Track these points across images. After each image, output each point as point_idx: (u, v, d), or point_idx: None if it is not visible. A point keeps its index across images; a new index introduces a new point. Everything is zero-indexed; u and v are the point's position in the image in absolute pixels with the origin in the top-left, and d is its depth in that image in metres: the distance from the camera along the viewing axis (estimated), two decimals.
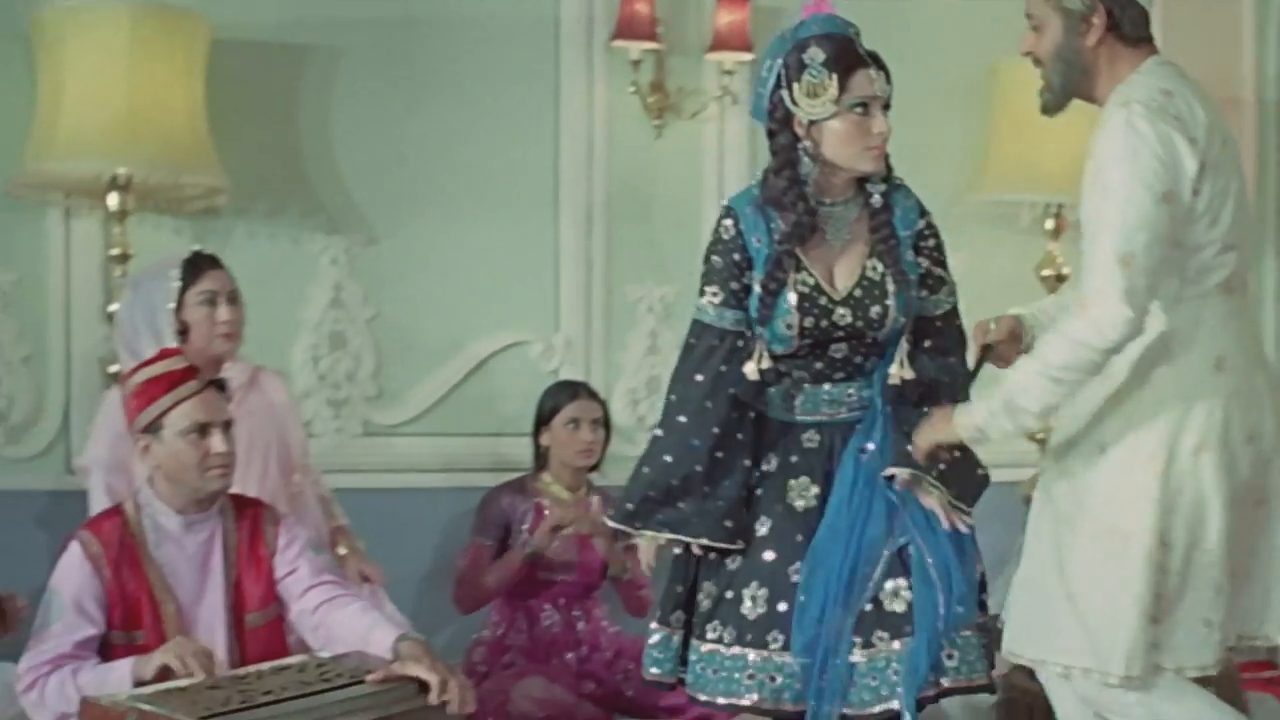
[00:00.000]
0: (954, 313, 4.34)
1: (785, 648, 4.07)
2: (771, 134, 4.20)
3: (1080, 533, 3.84)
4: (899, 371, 4.19)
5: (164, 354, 4.36)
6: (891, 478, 4.10)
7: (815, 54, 4.11)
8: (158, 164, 5.62)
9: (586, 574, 5.67)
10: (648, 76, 6.45)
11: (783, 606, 4.11)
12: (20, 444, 5.98)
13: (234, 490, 4.60)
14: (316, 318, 6.22)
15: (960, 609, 4.01)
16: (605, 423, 5.85)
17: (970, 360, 4.12)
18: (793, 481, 4.22)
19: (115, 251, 5.75)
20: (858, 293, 4.17)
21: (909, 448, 4.10)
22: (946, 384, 4.23)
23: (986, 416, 3.82)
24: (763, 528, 4.20)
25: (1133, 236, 3.69)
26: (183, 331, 4.88)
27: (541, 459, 5.82)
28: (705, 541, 4.18)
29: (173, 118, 5.63)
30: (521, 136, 6.41)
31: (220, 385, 4.34)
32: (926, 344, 4.26)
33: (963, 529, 4.12)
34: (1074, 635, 3.80)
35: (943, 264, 4.34)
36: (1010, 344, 4.19)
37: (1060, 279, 6.62)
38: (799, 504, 4.20)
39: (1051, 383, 3.74)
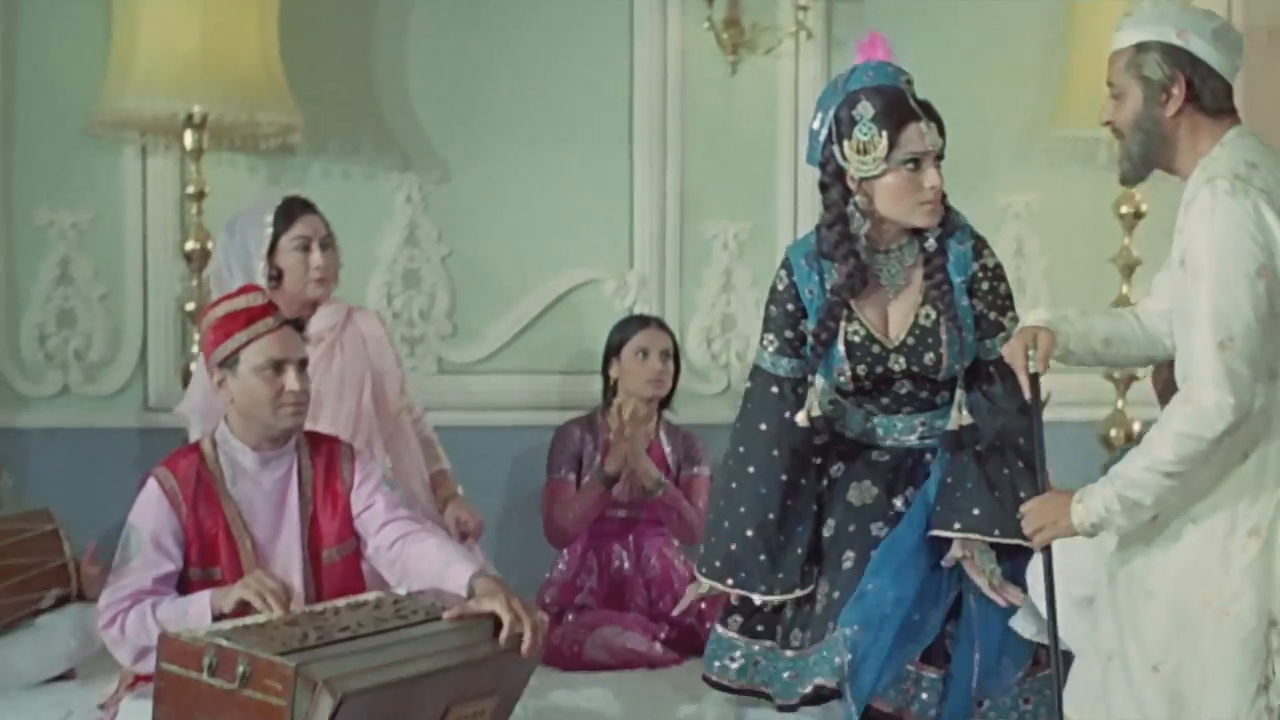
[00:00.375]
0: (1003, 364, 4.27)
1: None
2: (824, 187, 4.23)
3: (1162, 605, 3.71)
4: (957, 418, 4.23)
5: (244, 290, 4.37)
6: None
7: (865, 109, 4.12)
8: (233, 102, 5.63)
9: (654, 512, 5.66)
10: (722, 12, 6.41)
11: (836, 594, 4.14)
12: (98, 382, 6.02)
13: (327, 428, 4.65)
14: (391, 255, 6.23)
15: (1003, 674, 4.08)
16: (675, 357, 5.82)
17: (1024, 388, 4.01)
18: (855, 484, 4.29)
19: (191, 189, 5.78)
20: (910, 340, 4.22)
21: (971, 509, 4.14)
22: (1009, 433, 4.23)
23: (1103, 513, 3.69)
24: (827, 530, 4.29)
25: (1230, 320, 3.58)
26: (276, 276, 4.94)
27: (611, 392, 5.80)
28: (773, 599, 4.32)
29: (247, 55, 5.64)
30: (596, 73, 6.39)
31: (298, 325, 4.35)
32: (983, 388, 4.28)
33: (1016, 601, 4.10)
34: (1158, 706, 3.71)
35: (999, 308, 4.31)
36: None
37: (1138, 215, 6.56)
38: (856, 500, 4.28)
39: (1164, 478, 3.61)
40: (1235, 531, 3.63)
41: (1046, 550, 3.86)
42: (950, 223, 4.28)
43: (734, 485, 4.35)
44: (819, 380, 4.26)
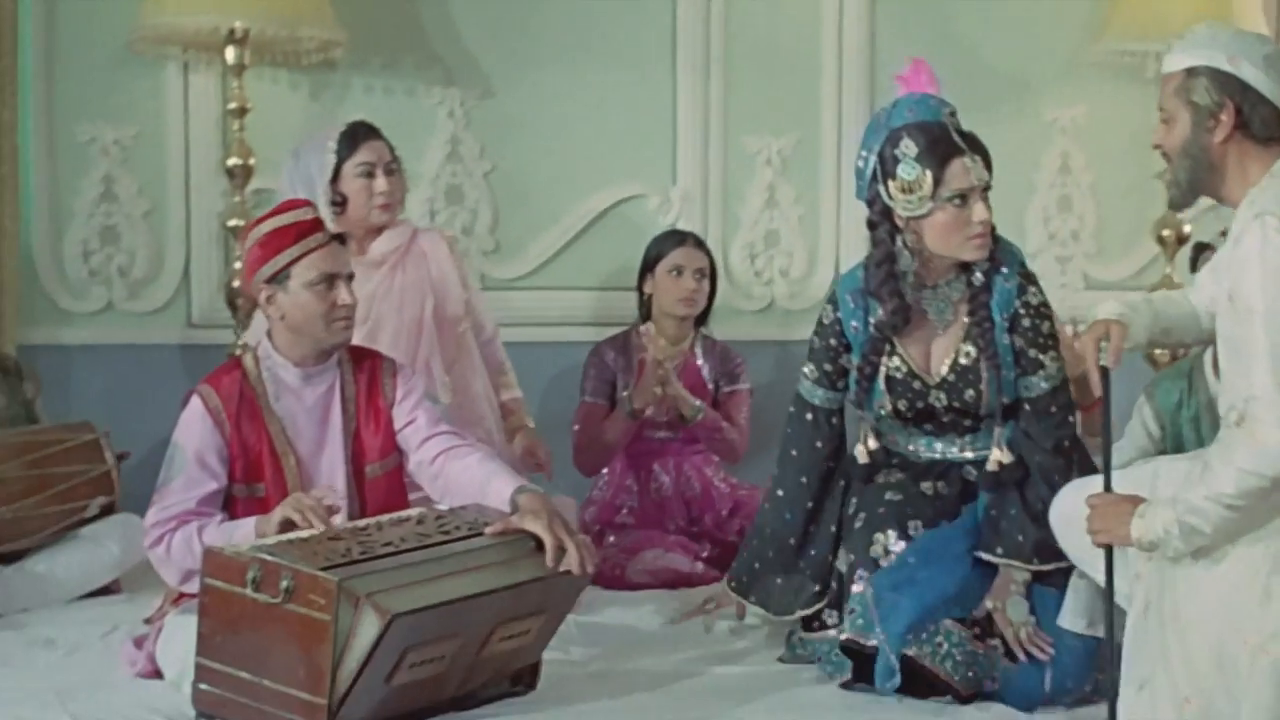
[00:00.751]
0: (1050, 396, 4.27)
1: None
2: (872, 225, 4.22)
3: (1197, 638, 3.61)
4: (997, 455, 4.23)
5: (291, 204, 4.36)
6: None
7: (908, 148, 4.11)
8: (274, 17, 5.61)
9: (694, 431, 5.65)
10: None
11: (853, 558, 4.25)
12: (141, 299, 6.04)
13: (387, 347, 4.69)
14: (433, 171, 6.21)
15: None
16: (711, 275, 5.79)
17: (1095, 384, 3.93)
18: (883, 471, 4.34)
19: (233, 105, 5.77)
20: (951, 377, 4.25)
21: (1015, 536, 4.16)
22: (1045, 471, 4.24)
23: (1161, 534, 3.59)
24: (850, 508, 4.34)
25: None
26: (340, 202, 4.94)
27: (646, 309, 5.77)
28: (788, 617, 4.40)
29: None
30: None
31: (341, 239, 4.34)
32: (1022, 426, 4.28)
33: (1042, 657, 4.07)
34: None
35: (1040, 345, 4.27)
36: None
37: None
38: (881, 479, 4.33)
39: (1226, 509, 3.54)
40: (1279, 568, 3.55)
41: (1107, 549, 3.81)
42: (998, 257, 4.27)
43: (767, 505, 4.46)
44: (868, 415, 4.31)
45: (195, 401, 4.23)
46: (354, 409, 4.32)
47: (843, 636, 4.09)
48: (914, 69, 4.33)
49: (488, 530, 3.94)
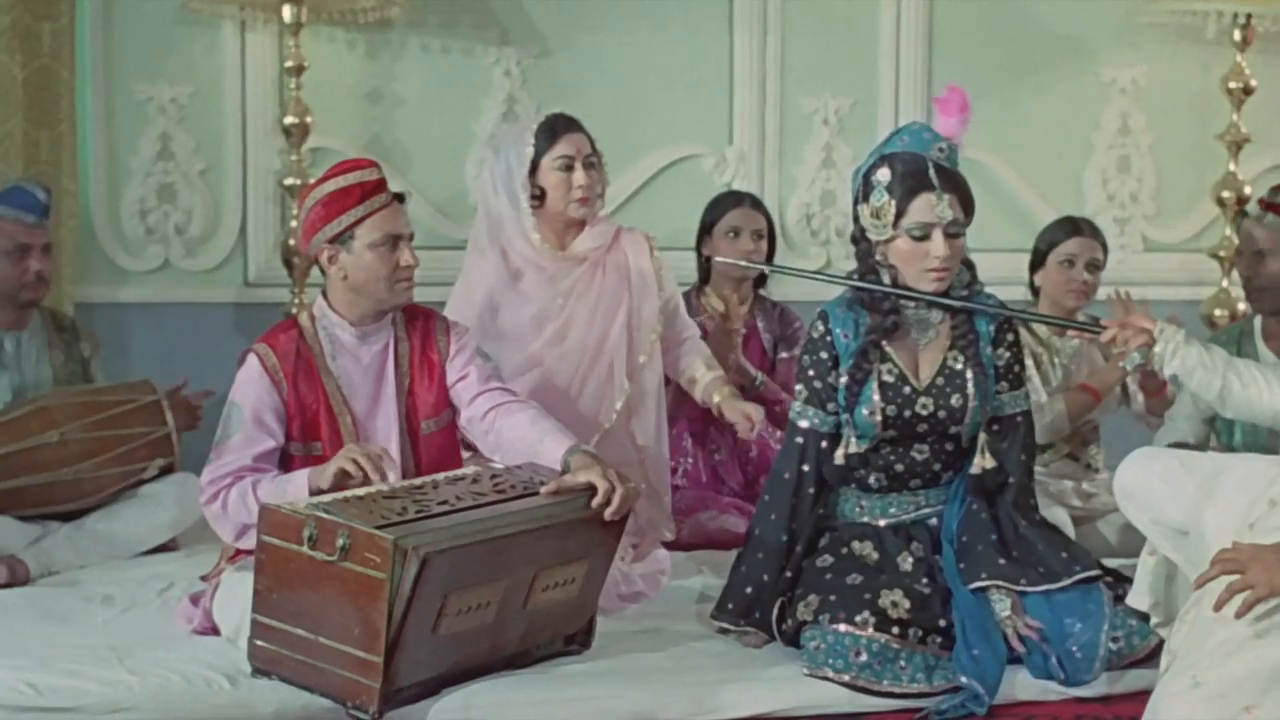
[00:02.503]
0: (1025, 416, 4.39)
1: None
2: (855, 241, 4.35)
3: (1253, 644, 3.51)
4: (980, 460, 4.29)
5: (355, 164, 4.33)
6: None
7: (884, 175, 4.22)
8: None
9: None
10: None
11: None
12: (198, 257, 6.07)
13: (574, 352, 4.74)
14: (489, 130, 6.21)
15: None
16: (770, 236, 5.76)
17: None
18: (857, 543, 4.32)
19: (289, 64, 5.79)
20: (939, 381, 4.29)
21: (997, 561, 4.20)
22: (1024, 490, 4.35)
23: None
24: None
25: None
26: (539, 195, 4.84)
27: (705, 271, 5.76)
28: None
29: None
30: None
31: (400, 198, 4.33)
32: (1005, 443, 4.34)
33: (1032, 635, 4.09)
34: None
35: (1022, 365, 4.41)
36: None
37: (1247, 91, 6.44)
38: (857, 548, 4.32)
39: None
40: None
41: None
42: (975, 289, 4.38)
43: (757, 531, 4.40)
44: (852, 420, 4.31)
45: (252, 360, 4.24)
46: (408, 366, 4.33)
47: (847, 679, 4.01)
48: (949, 95, 4.37)
49: (543, 489, 3.94)
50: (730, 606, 4.35)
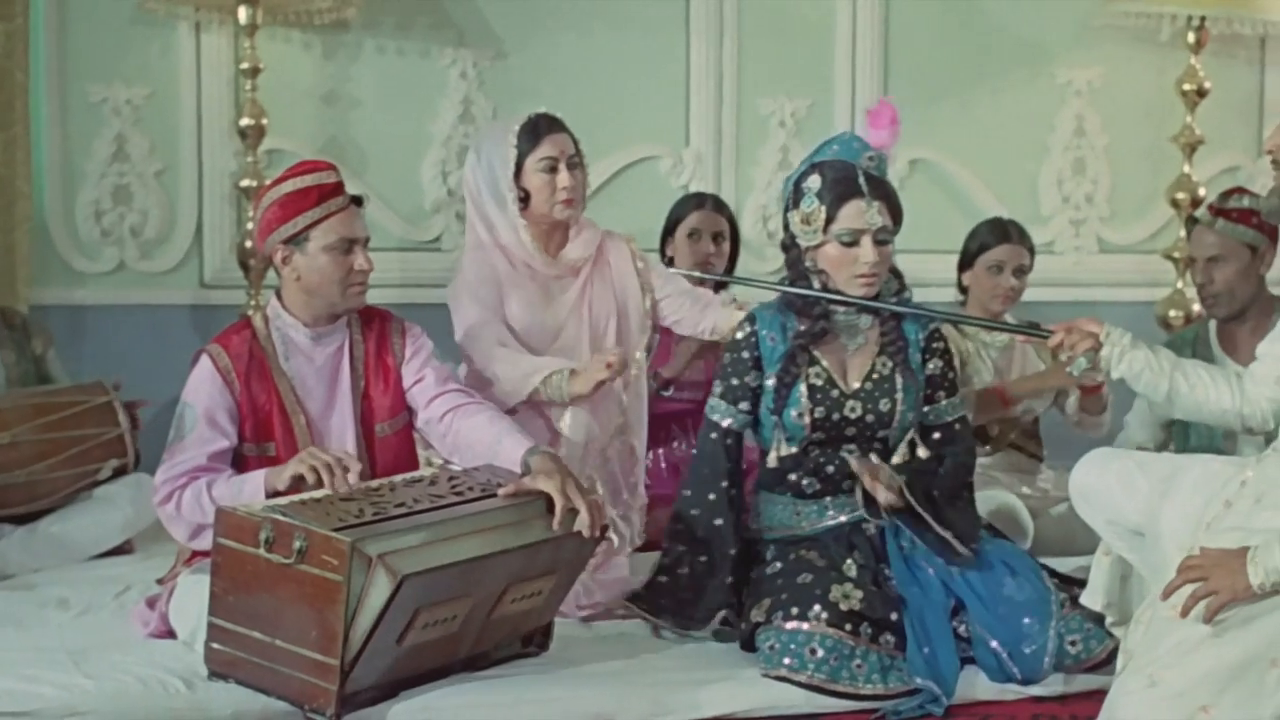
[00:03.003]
0: (963, 422, 4.47)
1: None
2: (785, 248, 4.44)
3: (1218, 642, 3.54)
4: (917, 460, 4.37)
5: (314, 166, 4.33)
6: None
7: (814, 182, 4.31)
8: None
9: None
10: None
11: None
12: (154, 259, 6.05)
13: (566, 360, 4.65)
14: (445, 132, 6.21)
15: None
16: (733, 238, 5.77)
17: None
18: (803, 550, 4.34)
19: (245, 65, 5.77)
20: (868, 386, 4.37)
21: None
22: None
23: None
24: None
25: None
26: (523, 198, 4.78)
27: None
28: (694, 633, 4.36)
29: None
30: None
31: (359, 201, 4.32)
32: (946, 450, 4.41)
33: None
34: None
35: (954, 369, 4.48)
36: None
37: (1201, 94, 6.47)
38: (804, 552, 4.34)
39: None
40: None
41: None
42: (904, 296, 4.45)
43: (680, 527, 4.43)
44: (780, 423, 4.37)
45: (204, 361, 4.23)
46: (363, 368, 4.32)
47: (804, 678, 4.01)
48: (880, 108, 4.50)
49: (500, 492, 3.94)
50: (651, 594, 4.40)
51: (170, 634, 4.12)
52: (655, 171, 6.39)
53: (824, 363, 4.35)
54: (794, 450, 4.34)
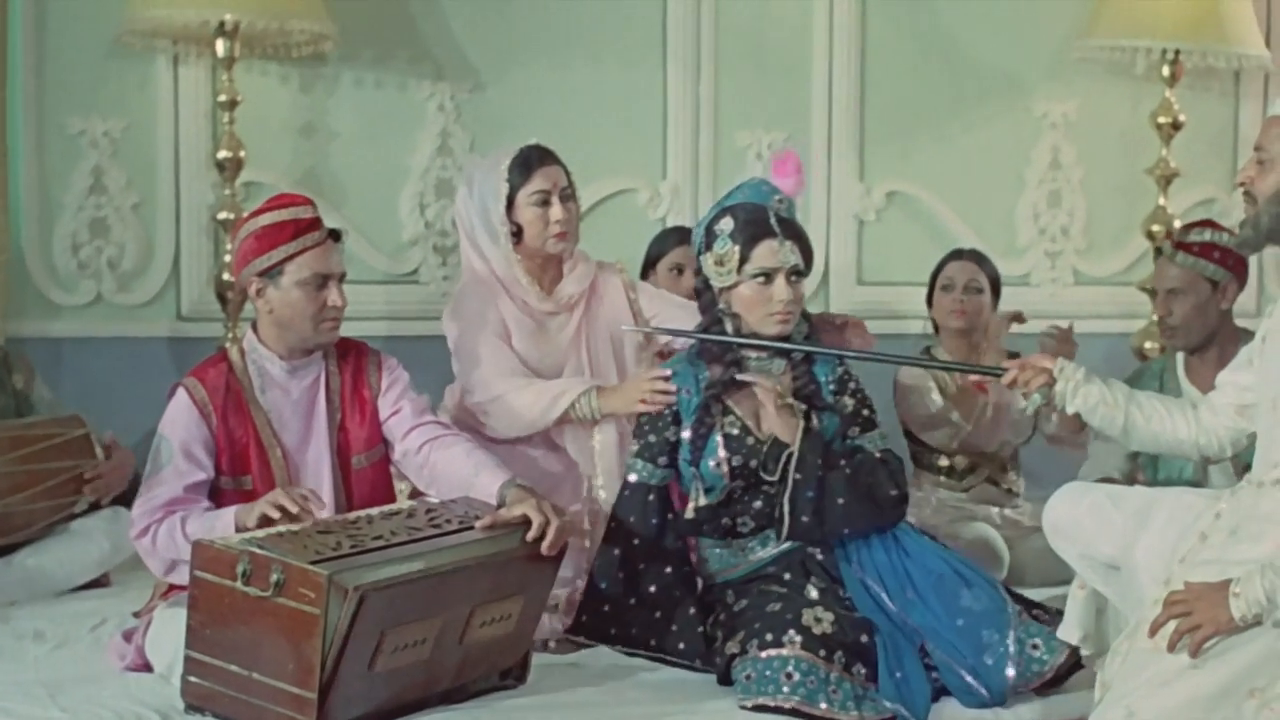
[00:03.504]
0: (886, 453, 4.50)
1: None
2: (698, 293, 4.52)
3: (1198, 673, 3.55)
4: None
5: (291, 200, 4.33)
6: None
7: (726, 224, 4.40)
8: (264, 10, 5.60)
9: None
10: None
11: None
12: (131, 291, 6.03)
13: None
14: (423, 165, 6.21)
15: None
16: None
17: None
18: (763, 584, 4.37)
19: (223, 98, 5.77)
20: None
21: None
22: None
23: (1263, 601, 3.45)
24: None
25: None
26: (516, 232, 4.74)
27: None
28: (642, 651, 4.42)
29: None
30: None
31: (336, 235, 4.32)
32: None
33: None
34: None
35: (870, 407, 4.52)
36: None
37: (1176, 126, 6.50)
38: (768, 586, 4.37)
39: None
40: None
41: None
42: (815, 339, 4.54)
43: (600, 561, 4.48)
44: (699, 473, 4.43)
45: (181, 394, 4.23)
46: (339, 401, 4.33)
47: (782, 703, 4.02)
48: (784, 157, 4.58)
49: (478, 524, 3.94)
50: (585, 621, 4.45)
51: (147, 667, 4.11)
52: (633, 204, 6.40)
53: (738, 411, 4.41)
54: (711, 502, 4.40)
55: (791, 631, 4.05)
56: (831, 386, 4.47)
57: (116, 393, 5.67)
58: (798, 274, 4.39)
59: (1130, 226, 6.76)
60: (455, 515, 4.00)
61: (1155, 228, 6.56)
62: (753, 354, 4.44)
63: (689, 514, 4.41)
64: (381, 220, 6.21)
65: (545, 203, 4.74)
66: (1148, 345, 6.53)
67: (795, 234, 4.41)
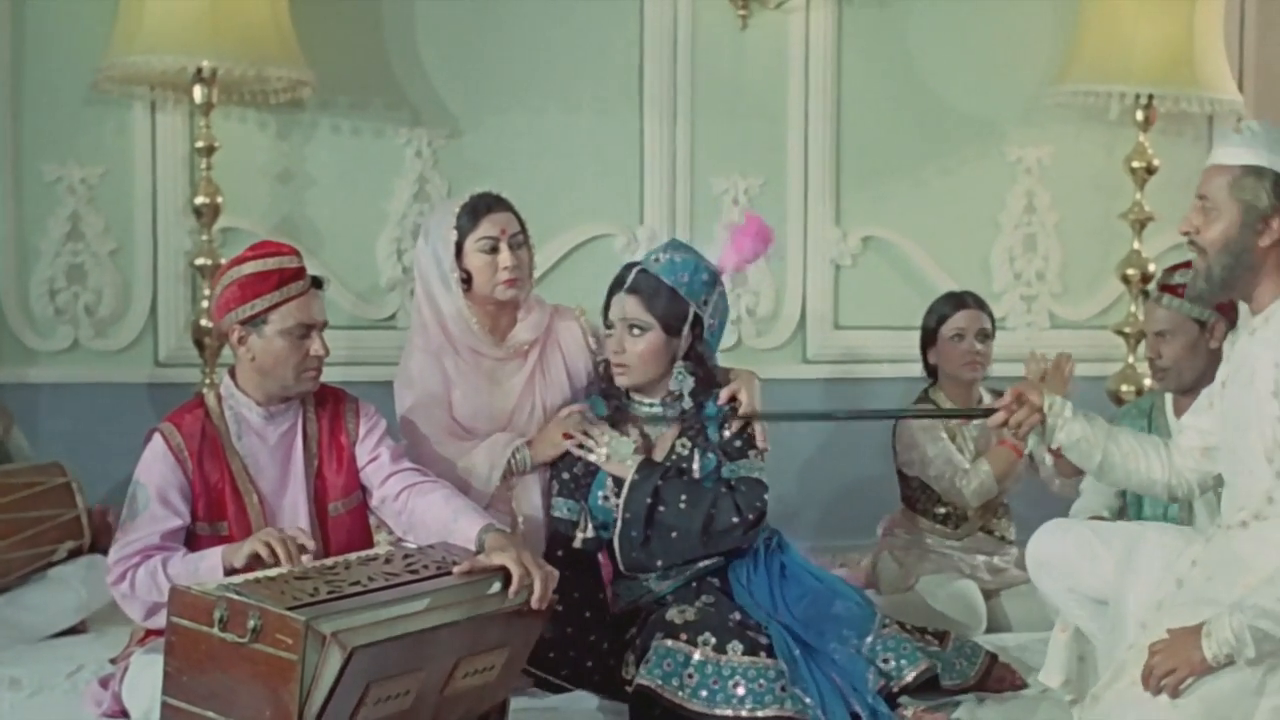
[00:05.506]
0: (760, 476, 4.63)
1: None
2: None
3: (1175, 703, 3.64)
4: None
5: (277, 249, 4.32)
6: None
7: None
8: (242, 57, 5.61)
9: None
10: None
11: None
12: (108, 337, 6.03)
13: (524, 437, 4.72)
14: (401, 210, 6.23)
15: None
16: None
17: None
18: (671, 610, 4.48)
19: (200, 144, 5.78)
20: (668, 464, 4.59)
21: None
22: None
23: (1233, 642, 3.51)
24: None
25: None
26: (466, 279, 4.72)
27: None
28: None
29: (256, 10, 5.63)
30: (607, 27, 6.39)
31: (319, 284, 4.33)
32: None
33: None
34: None
35: (746, 441, 4.64)
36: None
37: (1150, 171, 6.54)
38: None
39: None
40: (1276, 667, 3.56)
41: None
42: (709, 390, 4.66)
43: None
44: (589, 506, 4.62)
45: (157, 439, 4.22)
46: (316, 447, 4.32)
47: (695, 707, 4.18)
48: (746, 225, 4.82)
49: (456, 570, 3.94)
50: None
51: (124, 714, 4.10)
52: (609, 249, 6.41)
53: None
54: (605, 538, 4.55)
55: (736, 640, 4.23)
56: (717, 423, 4.60)
57: (94, 438, 5.66)
58: (637, 328, 4.59)
59: (1105, 270, 6.79)
60: (433, 560, 3.99)
61: (1130, 271, 6.59)
62: (645, 400, 4.64)
63: (577, 543, 4.58)
64: (358, 266, 6.22)
65: (494, 249, 4.69)
66: (1124, 388, 6.55)
67: (637, 289, 4.61)
